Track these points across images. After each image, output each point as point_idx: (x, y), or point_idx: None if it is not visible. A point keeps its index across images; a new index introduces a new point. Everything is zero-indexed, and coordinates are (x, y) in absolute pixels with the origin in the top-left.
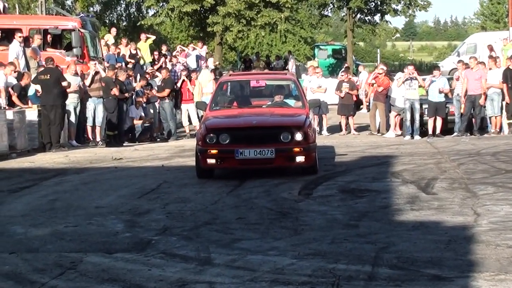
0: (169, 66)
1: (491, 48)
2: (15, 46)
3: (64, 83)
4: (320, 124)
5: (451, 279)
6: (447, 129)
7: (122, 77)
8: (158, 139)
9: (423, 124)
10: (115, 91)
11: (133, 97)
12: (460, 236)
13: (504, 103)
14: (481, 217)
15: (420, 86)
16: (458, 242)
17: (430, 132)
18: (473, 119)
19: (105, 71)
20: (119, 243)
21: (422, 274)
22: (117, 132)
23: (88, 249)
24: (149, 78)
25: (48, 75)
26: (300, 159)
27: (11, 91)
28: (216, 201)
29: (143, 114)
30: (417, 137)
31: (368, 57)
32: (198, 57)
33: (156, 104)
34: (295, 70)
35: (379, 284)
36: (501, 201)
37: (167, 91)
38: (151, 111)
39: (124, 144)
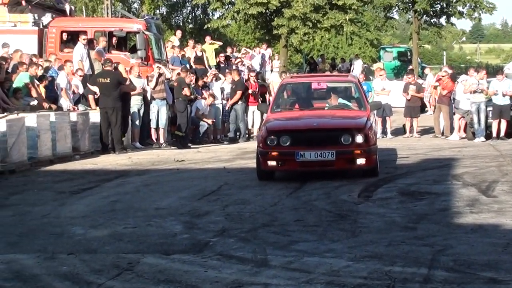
0: (240, 68)
1: None
2: (79, 48)
3: (124, 87)
4: (383, 126)
5: (508, 282)
6: (511, 132)
7: (187, 79)
8: (222, 141)
9: (487, 127)
10: (186, 91)
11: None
12: None
13: None
14: None
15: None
16: None
17: (495, 134)
18: None
19: (170, 73)
20: (177, 245)
21: (478, 277)
22: (185, 133)
23: (146, 250)
24: (208, 81)
25: (108, 79)
26: (360, 161)
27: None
28: (276, 203)
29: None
30: (482, 138)
31: (435, 59)
32: (263, 59)
33: (219, 105)
34: (363, 72)
35: (434, 286)
36: None
37: (239, 93)
38: (212, 113)
39: (190, 146)
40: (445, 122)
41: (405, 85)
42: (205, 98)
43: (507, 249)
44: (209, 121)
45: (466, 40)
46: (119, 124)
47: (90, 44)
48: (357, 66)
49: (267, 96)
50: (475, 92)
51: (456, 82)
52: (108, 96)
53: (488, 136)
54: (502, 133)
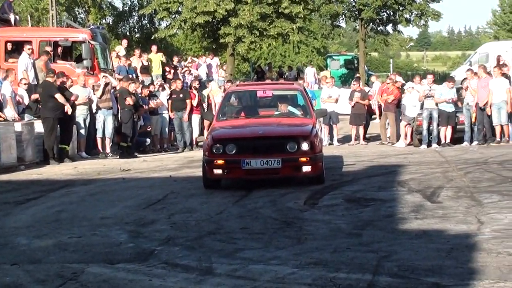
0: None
1: (498, 58)
2: (24, 58)
3: (58, 98)
4: (331, 134)
5: (451, 286)
6: (456, 138)
7: (130, 88)
8: (168, 150)
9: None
10: (129, 100)
11: None
12: (462, 244)
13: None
14: (485, 225)
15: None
16: (460, 250)
17: (443, 141)
18: (484, 128)
19: (116, 82)
20: (122, 254)
21: (422, 282)
22: (130, 144)
23: (91, 260)
24: (153, 90)
25: (41, 89)
26: (306, 168)
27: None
28: (222, 211)
29: (142, 124)
30: (434, 145)
31: (382, 67)
32: (209, 68)
33: (165, 115)
34: (314, 80)
35: None
36: (506, 209)
37: (188, 102)
38: (159, 122)
39: (136, 155)
40: (391, 129)
41: (350, 93)
42: (152, 108)
43: (451, 254)
44: (144, 130)
45: (413, 47)
46: (51, 133)
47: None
48: (310, 74)
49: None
50: (427, 97)
51: (402, 90)
52: (43, 106)
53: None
54: (448, 139)
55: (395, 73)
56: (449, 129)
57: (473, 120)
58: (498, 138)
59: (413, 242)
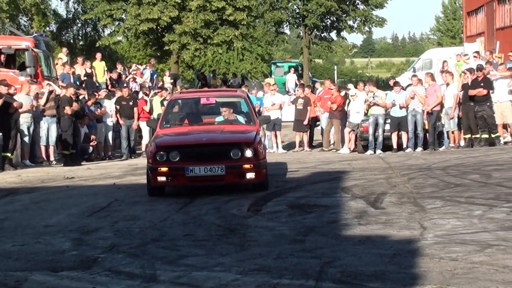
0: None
1: (445, 63)
2: None
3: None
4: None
5: None
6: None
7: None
8: (113, 158)
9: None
10: (67, 109)
11: None
12: (405, 250)
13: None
14: (427, 230)
15: (383, 106)
16: (403, 256)
17: (395, 146)
18: (427, 134)
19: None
20: (65, 261)
21: (365, 287)
22: (73, 151)
23: (34, 268)
24: (98, 97)
25: None
26: (250, 175)
27: None
28: (165, 218)
29: (87, 131)
30: (378, 151)
31: (327, 73)
32: (153, 75)
33: (109, 123)
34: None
35: None
36: (448, 214)
37: (136, 109)
38: (103, 130)
39: (80, 163)
40: (336, 136)
41: (294, 99)
42: (97, 116)
43: (394, 259)
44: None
45: (357, 54)
46: None
47: None
48: (291, 80)
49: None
50: (374, 105)
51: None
52: None
53: (387, 148)
54: (404, 145)
55: (329, 80)
56: (404, 134)
57: (426, 126)
58: (451, 144)
59: (356, 248)
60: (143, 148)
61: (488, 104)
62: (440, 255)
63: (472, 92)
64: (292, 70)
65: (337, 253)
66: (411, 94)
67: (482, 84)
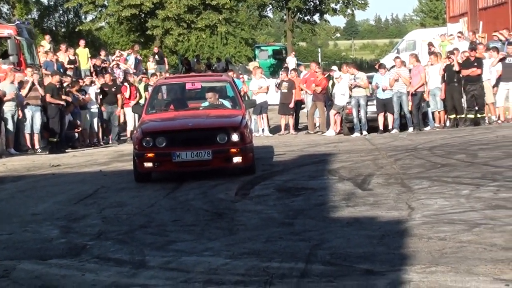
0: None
1: (431, 45)
2: None
3: None
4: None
5: (383, 273)
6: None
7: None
8: (99, 145)
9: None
10: (48, 97)
11: None
12: (393, 231)
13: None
14: (415, 211)
15: (364, 88)
16: (391, 237)
17: (381, 128)
18: (411, 115)
19: (42, 78)
20: (54, 249)
21: (354, 269)
22: (59, 139)
23: (22, 256)
24: (82, 84)
25: None
26: (237, 159)
27: None
28: (153, 204)
29: (72, 119)
30: (364, 133)
31: (311, 56)
32: (137, 61)
33: (94, 109)
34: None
35: (311, 280)
36: (435, 194)
37: (120, 96)
38: (88, 117)
39: (66, 151)
40: (321, 118)
41: (278, 83)
42: (82, 103)
43: (382, 240)
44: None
45: (341, 36)
46: None
47: None
48: (291, 62)
49: None
50: (355, 87)
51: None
52: None
53: (374, 130)
54: (390, 126)
55: (314, 62)
56: (390, 116)
57: (410, 108)
58: (438, 124)
59: (345, 229)
60: (128, 135)
61: (480, 83)
62: (428, 235)
63: (465, 72)
64: (293, 54)
65: (326, 235)
66: (395, 76)
67: (475, 64)
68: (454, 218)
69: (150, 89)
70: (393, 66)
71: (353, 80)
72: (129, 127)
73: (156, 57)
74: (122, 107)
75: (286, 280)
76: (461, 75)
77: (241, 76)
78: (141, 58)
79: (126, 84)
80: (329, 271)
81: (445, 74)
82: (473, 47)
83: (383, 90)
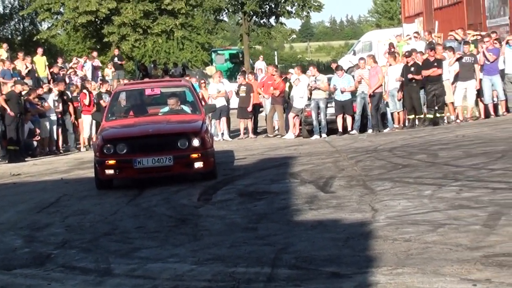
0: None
1: (392, 46)
2: None
3: None
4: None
5: (349, 275)
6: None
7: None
8: (59, 153)
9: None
10: (2, 101)
11: None
12: (358, 233)
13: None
14: (379, 212)
15: (324, 90)
16: (356, 239)
17: (340, 130)
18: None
19: None
20: (18, 259)
21: (320, 272)
22: (18, 147)
23: None
24: (40, 92)
25: None
26: (198, 165)
27: None
28: (116, 211)
29: (32, 127)
30: (323, 135)
31: (267, 59)
32: (94, 68)
33: (53, 117)
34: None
35: (278, 285)
36: (398, 195)
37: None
38: (47, 125)
39: (25, 159)
40: (280, 121)
41: (238, 86)
42: (42, 110)
43: (347, 243)
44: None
45: (296, 39)
46: None
47: None
48: (260, 66)
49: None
50: (315, 89)
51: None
52: None
53: (333, 132)
54: (349, 128)
55: (271, 65)
56: (349, 118)
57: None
58: (397, 125)
59: (309, 233)
60: (86, 142)
61: (440, 83)
62: (393, 237)
63: (426, 73)
64: (261, 57)
65: (290, 239)
66: (357, 78)
67: (435, 64)
68: (418, 219)
69: (103, 96)
70: (349, 68)
71: (314, 82)
72: (85, 134)
73: (116, 59)
74: (75, 114)
75: (253, 285)
76: (421, 76)
77: (202, 81)
78: (99, 65)
79: (84, 91)
80: (295, 275)
81: (403, 74)
82: (432, 47)
83: (342, 92)
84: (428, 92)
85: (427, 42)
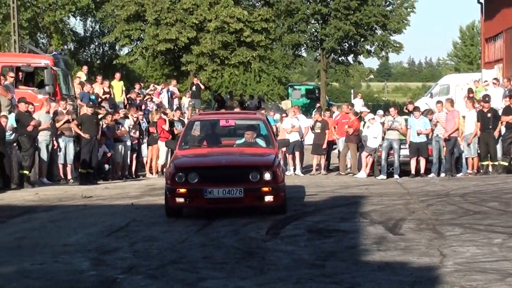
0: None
1: (471, 91)
2: None
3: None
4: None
5: None
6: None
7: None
8: (131, 178)
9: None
10: (74, 126)
11: None
12: (425, 277)
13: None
14: (447, 258)
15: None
16: (423, 283)
17: (413, 172)
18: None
19: (77, 109)
20: (84, 282)
21: None
22: (90, 170)
23: (53, 287)
24: (117, 117)
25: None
26: (269, 198)
27: None
28: (184, 240)
29: (107, 151)
30: (396, 176)
31: (343, 97)
32: (171, 95)
33: (128, 143)
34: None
35: None
36: (468, 242)
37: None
38: (121, 149)
39: (97, 182)
40: (352, 160)
41: (312, 124)
42: (118, 135)
43: (414, 286)
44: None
45: (374, 78)
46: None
47: None
48: (358, 104)
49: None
50: (389, 129)
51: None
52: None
53: (405, 174)
54: (422, 170)
55: (347, 104)
56: (422, 160)
57: (444, 153)
58: (470, 170)
59: (376, 274)
60: (159, 169)
61: None
62: (460, 283)
63: (505, 119)
64: (359, 96)
65: (357, 279)
66: (434, 121)
67: None
68: (487, 267)
69: (176, 124)
70: (425, 110)
71: (391, 122)
72: (160, 161)
73: (194, 88)
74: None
75: None
76: (500, 122)
77: (284, 115)
78: (176, 93)
79: (164, 116)
80: None
81: (480, 121)
82: (511, 94)
83: (418, 134)
84: (505, 139)
85: (506, 89)
